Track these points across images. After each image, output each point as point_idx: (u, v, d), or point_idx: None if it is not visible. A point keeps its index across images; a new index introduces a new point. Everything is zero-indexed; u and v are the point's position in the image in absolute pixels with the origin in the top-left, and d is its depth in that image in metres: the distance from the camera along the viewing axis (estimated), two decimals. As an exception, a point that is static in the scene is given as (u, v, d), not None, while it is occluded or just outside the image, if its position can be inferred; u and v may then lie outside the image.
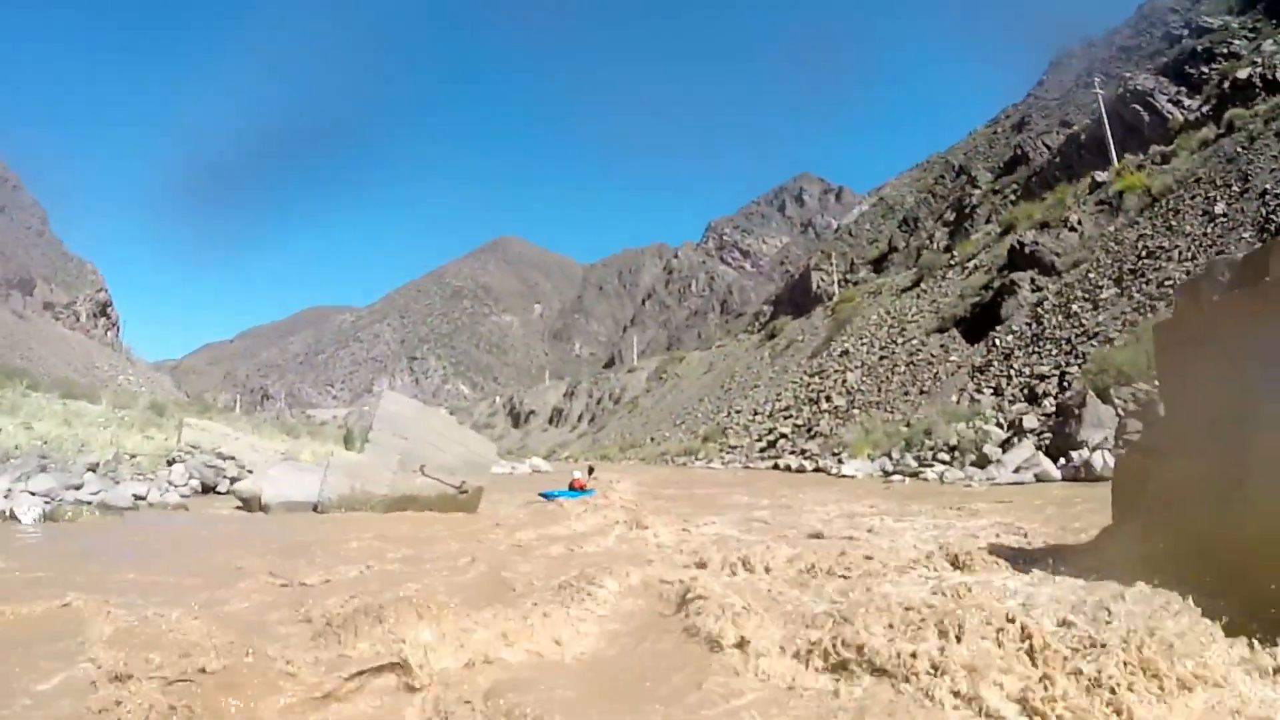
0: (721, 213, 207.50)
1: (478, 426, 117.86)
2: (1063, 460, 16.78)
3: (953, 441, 22.31)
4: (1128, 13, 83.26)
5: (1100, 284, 28.33)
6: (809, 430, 37.51)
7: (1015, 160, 70.37)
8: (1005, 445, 20.09)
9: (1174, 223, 28.43)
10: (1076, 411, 17.94)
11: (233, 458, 18.73)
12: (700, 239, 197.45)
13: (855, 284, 70.05)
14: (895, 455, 24.15)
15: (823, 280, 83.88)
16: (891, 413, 32.26)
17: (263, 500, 13.19)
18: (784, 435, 39.09)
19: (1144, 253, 27.99)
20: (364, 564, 7.77)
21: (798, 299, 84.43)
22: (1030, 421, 20.45)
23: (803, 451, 34.00)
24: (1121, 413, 17.31)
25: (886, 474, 22.07)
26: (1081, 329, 26.34)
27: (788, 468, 30.46)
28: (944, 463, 21.16)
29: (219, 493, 16.86)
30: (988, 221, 59.87)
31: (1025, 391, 24.67)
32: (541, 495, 18.28)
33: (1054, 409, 21.03)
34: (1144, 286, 25.88)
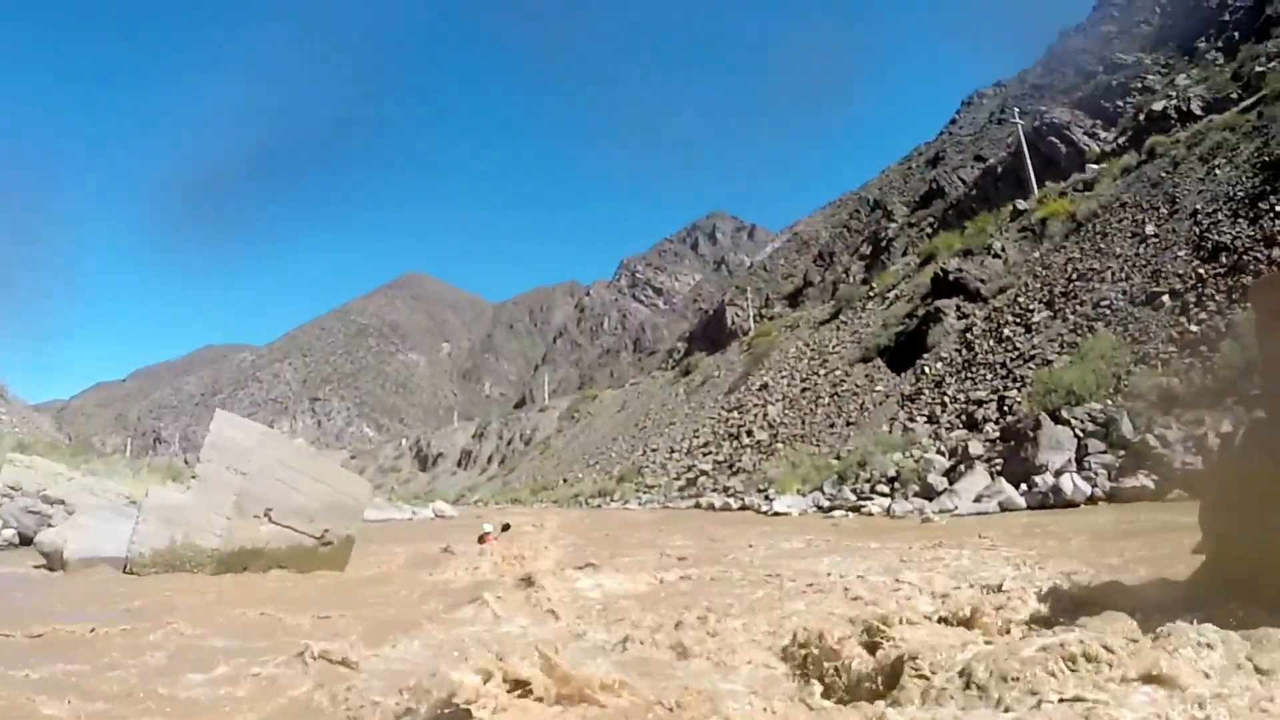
0: (634, 250, 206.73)
1: (383, 470, 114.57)
2: (1023, 486, 15.22)
3: (890, 472, 20.78)
4: (1039, 54, 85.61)
5: (1030, 308, 27.65)
6: (730, 466, 35.92)
7: (931, 194, 70.69)
8: (951, 474, 18.58)
9: (1103, 245, 27.89)
10: (1030, 434, 16.55)
11: (61, 502, 15.73)
12: (613, 277, 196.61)
13: (771, 319, 69.37)
14: (828, 489, 22.56)
15: (738, 315, 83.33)
16: (818, 445, 30.90)
17: (64, 555, 10.52)
18: (704, 472, 37.41)
19: (1074, 275, 27.35)
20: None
21: (712, 335, 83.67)
22: (975, 448, 18.99)
23: (725, 489, 32.39)
24: (1080, 434, 16.02)
25: (823, 509, 20.40)
26: (1016, 352, 25.46)
27: (711, 506, 28.73)
28: (884, 495, 19.59)
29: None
30: (904, 254, 59.81)
31: (963, 418, 23.43)
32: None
33: (998, 434, 19.77)
34: (1078, 308, 25.11)
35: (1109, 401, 17.44)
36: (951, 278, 34.13)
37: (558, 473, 65.64)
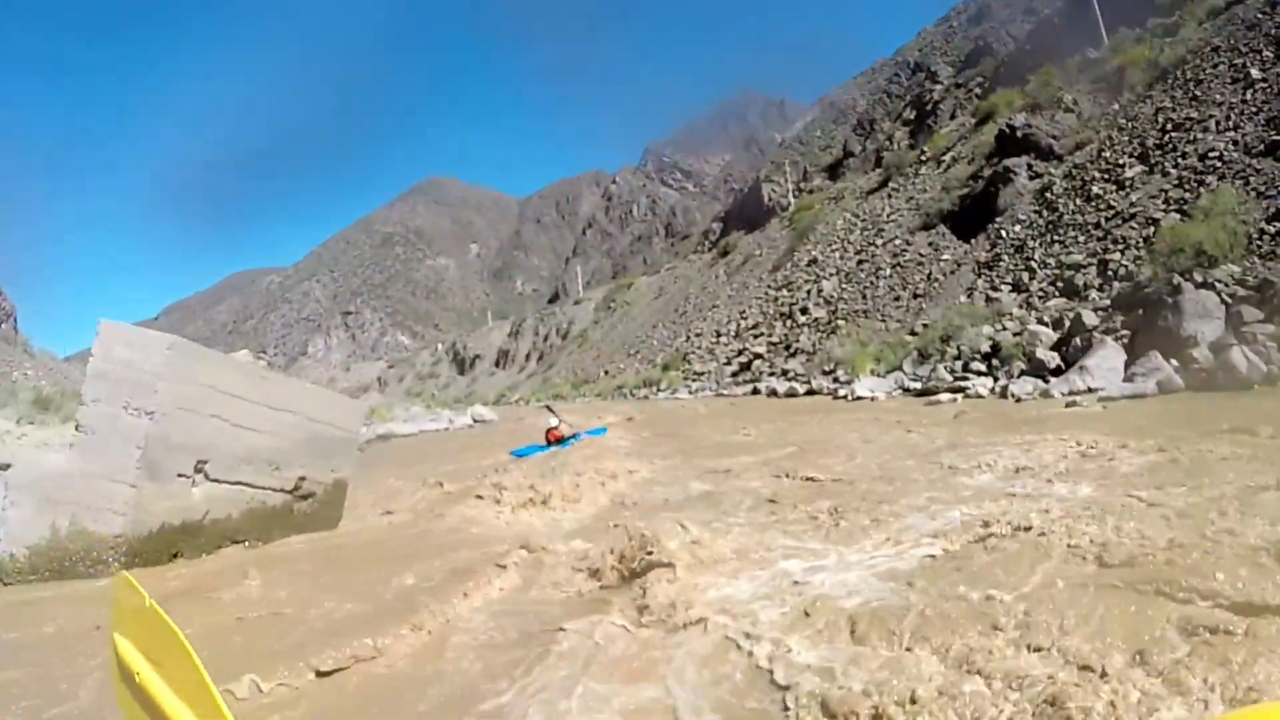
0: (662, 135, 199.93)
1: (421, 377, 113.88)
2: (1173, 362, 12.90)
3: (984, 347, 18.61)
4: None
5: (1120, 162, 24.97)
6: (787, 348, 33.95)
7: (978, 52, 66.26)
8: (1063, 348, 16.33)
9: (1198, 93, 24.90)
10: (1169, 300, 14.16)
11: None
12: (639, 163, 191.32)
13: (811, 192, 66.23)
14: (909, 369, 20.50)
15: (774, 191, 79.84)
16: (884, 320, 28.84)
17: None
18: (758, 355, 35.47)
19: (1168, 126, 24.55)
20: None
21: (749, 214, 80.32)
22: (1089, 318, 16.60)
23: (784, 372, 30.53)
24: (1228, 299, 13.69)
25: (912, 391, 18.32)
26: (1111, 211, 22.88)
27: (773, 392, 26.71)
28: (981, 373, 17.51)
29: None
30: (953, 116, 56.16)
31: (1058, 285, 21.08)
32: (513, 455, 15.36)
33: (1108, 301, 17.45)
34: (1180, 160, 22.43)
35: (1247, 263, 15.09)
36: (1020, 134, 31.56)
37: (598, 365, 64.54)
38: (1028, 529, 4.89)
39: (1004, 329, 19.33)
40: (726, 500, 8.10)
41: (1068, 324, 17.15)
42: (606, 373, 59.33)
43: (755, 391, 29.12)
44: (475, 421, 33.49)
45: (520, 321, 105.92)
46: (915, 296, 29.10)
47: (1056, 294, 20.67)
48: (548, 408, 20.98)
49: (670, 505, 8.32)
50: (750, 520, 6.90)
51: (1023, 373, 16.18)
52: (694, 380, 39.98)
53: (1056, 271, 21.97)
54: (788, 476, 9.04)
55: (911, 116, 66.96)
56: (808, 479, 8.69)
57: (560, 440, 15.92)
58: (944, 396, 15.93)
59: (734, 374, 36.19)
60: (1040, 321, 18.57)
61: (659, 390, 41.77)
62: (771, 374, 31.73)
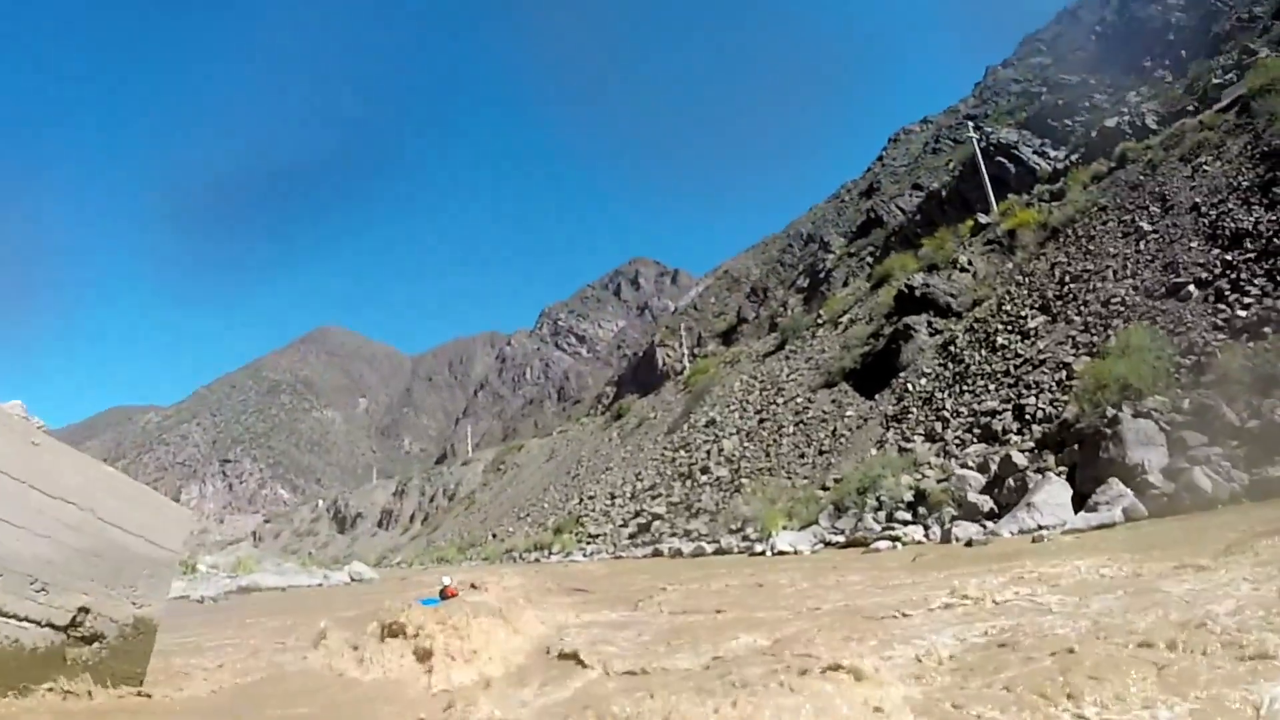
0: (556, 298, 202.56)
1: (300, 534, 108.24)
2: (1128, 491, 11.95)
3: (905, 497, 17.45)
4: (966, 89, 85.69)
5: (1023, 314, 25.39)
6: (688, 508, 32.37)
7: (869, 223, 68.90)
8: (996, 491, 15.37)
9: (1091, 247, 26.03)
10: (1109, 432, 13.41)
11: None
12: (534, 325, 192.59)
13: (705, 357, 66.33)
14: (825, 522, 19.15)
15: (669, 356, 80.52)
16: (790, 478, 27.65)
17: None
18: (658, 516, 33.74)
19: (1066, 278, 25.35)
20: None
21: (643, 377, 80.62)
22: (1019, 458, 15.83)
23: (686, 533, 28.92)
24: (1166, 426, 13.01)
25: (838, 544, 16.92)
26: (1020, 359, 22.87)
27: (678, 553, 25.04)
28: (907, 522, 16.28)
29: None
30: (845, 284, 57.71)
31: (974, 431, 20.32)
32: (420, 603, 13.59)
33: (1033, 443, 16.70)
34: (1083, 308, 22.91)
35: (1175, 392, 14.65)
36: (918, 293, 32.00)
37: (485, 528, 61.41)
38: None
39: (924, 477, 18.36)
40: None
41: (994, 467, 16.32)
42: (495, 535, 56.52)
43: (657, 553, 27.40)
44: (353, 580, 30.62)
45: (406, 481, 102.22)
46: (821, 453, 28.21)
47: (974, 440, 19.91)
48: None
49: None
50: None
51: (954, 518, 15.10)
52: (589, 543, 37.95)
53: (970, 419, 21.40)
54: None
55: (805, 284, 68.67)
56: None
57: (452, 596, 14.26)
58: (881, 544, 14.62)
59: (631, 536, 34.37)
60: (965, 466, 17.58)
61: (551, 554, 39.59)
62: (673, 534, 30.12)
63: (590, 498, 46.54)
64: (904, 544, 14.50)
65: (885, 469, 19.66)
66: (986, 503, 14.94)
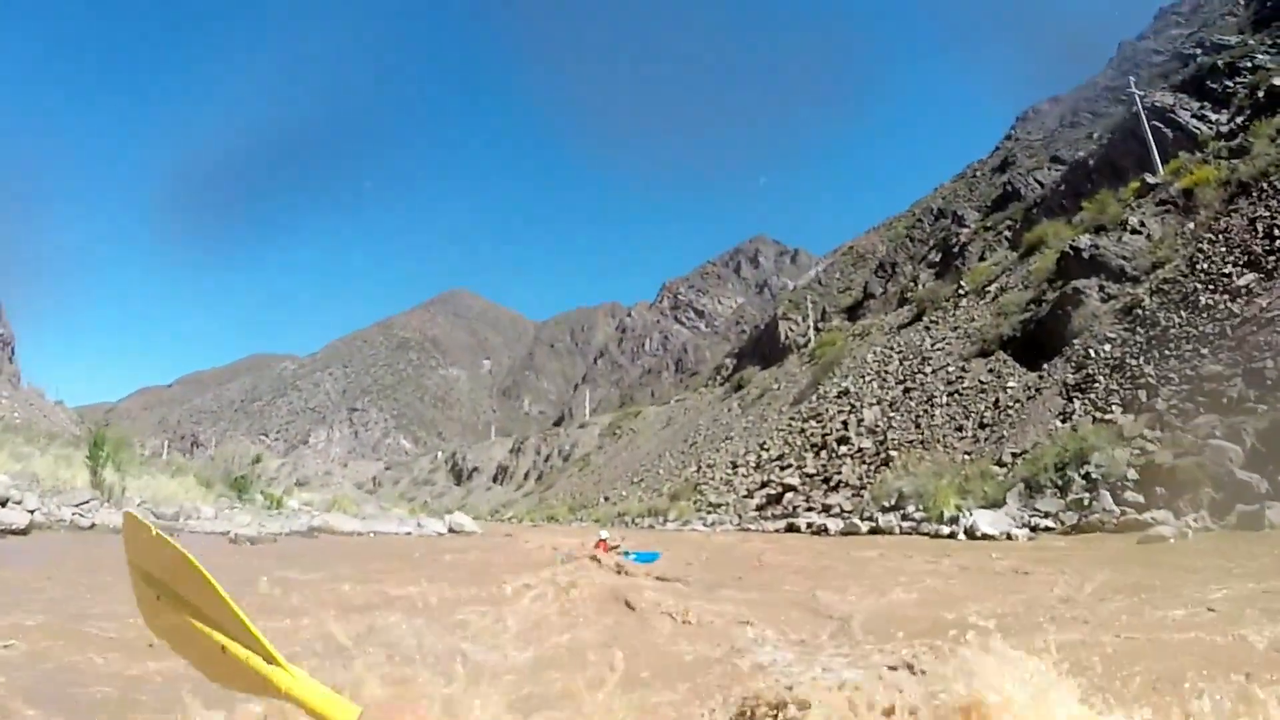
0: (677, 274, 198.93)
1: (417, 483, 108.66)
2: None
3: (1129, 474, 13.49)
4: (1097, 67, 79.15)
5: (1225, 272, 21.00)
6: (826, 480, 28.76)
7: (1005, 197, 63.48)
8: (1265, 466, 11.31)
9: None
10: None
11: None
12: (654, 298, 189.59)
13: (830, 331, 62.22)
14: (1015, 503, 15.31)
15: (792, 329, 76.35)
16: (948, 451, 23.72)
17: None
18: (791, 488, 30.20)
19: (1274, 232, 21.21)
20: None
21: (764, 350, 76.71)
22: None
23: (826, 508, 25.27)
24: None
25: (1059, 528, 13.04)
26: (1236, 318, 18.57)
27: (822, 529, 21.35)
28: (1138, 505, 12.29)
29: None
30: (982, 258, 52.61)
31: (1200, 400, 16.01)
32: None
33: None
34: None
35: None
36: (1086, 256, 27.87)
37: (598, 490, 59.44)
38: None
39: (1145, 452, 14.33)
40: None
41: (1249, 439, 12.22)
42: (607, 498, 54.47)
43: (792, 528, 23.81)
44: (452, 530, 27.68)
45: (523, 439, 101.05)
46: (983, 425, 24.22)
47: (1199, 410, 15.66)
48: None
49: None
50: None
51: (1216, 500, 11.06)
52: (709, 512, 34.81)
53: (1187, 387, 17.10)
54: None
55: (937, 258, 63.63)
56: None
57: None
58: (1160, 531, 10.35)
59: (759, 507, 30.99)
60: (1211, 437, 13.36)
61: (666, 521, 36.66)
62: (810, 508, 26.62)
63: (710, 466, 43.56)
64: (1188, 531, 10.37)
65: (1092, 442, 15.61)
66: (1259, 481, 10.97)
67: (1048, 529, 13.30)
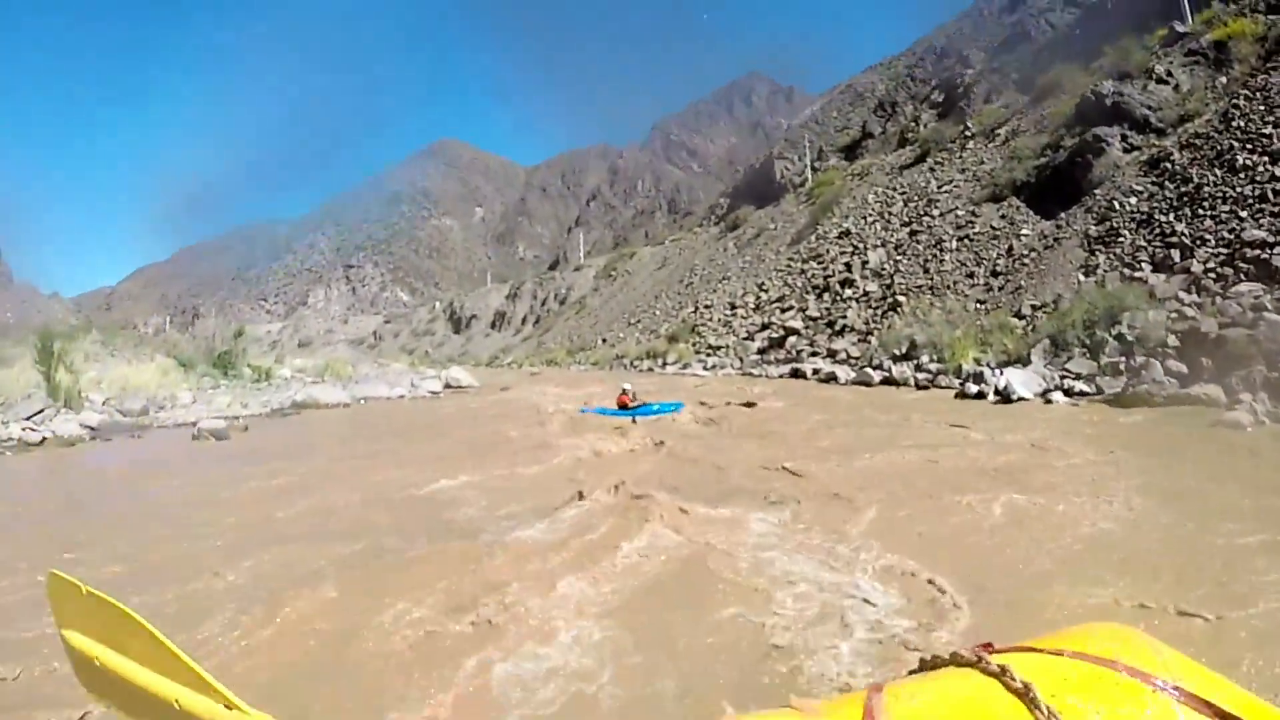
0: (667, 112, 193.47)
1: (417, 334, 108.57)
2: None
3: (1169, 340, 12.60)
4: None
5: (1265, 133, 19.29)
6: (830, 324, 27.98)
7: (1015, 38, 59.92)
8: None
9: None
10: None
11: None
12: (646, 141, 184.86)
13: (828, 170, 60.19)
14: (1039, 360, 14.52)
15: (788, 169, 74.23)
16: (961, 299, 22.83)
17: None
18: (794, 331, 29.44)
19: None
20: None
21: (759, 190, 74.60)
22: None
23: (831, 353, 24.60)
24: None
25: (1099, 395, 12.25)
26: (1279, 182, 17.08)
27: (830, 377, 20.70)
28: (1181, 376, 11.43)
29: None
30: (987, 101, 50.23)
31: (1241, 266, 14.97)
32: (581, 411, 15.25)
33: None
34: None
35: None
36: (1109, 102, 25.92)
37: (595, 333, 59.26)
38: None
39: (1184, 317, 13.43)
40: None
41: (1308, 308, 11.31)
42: (605, 340, 54.35)
43: (797, 374, 23.22)
44: (449, 387, 26.67)
45: (519, 285, 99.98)
46: (996, 274, 23.18)
47: (1241, 277, 14.67)
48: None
49: None
50: None
51: (1266, 380, 10.14)
52: (709, 354, 34.31)
53: (1225, 251, 16.02)
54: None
55: (940, 99, 60.99)
56: None
57: (626, 408, 14.43)
58: (1236, 417, 9.14)
59: (761, 350, 30.33)
60: (1261, 308, 12.43)
61: (665, 364, 36.19)
62: (814, 354, 25.89)
63: (707, 307, 43.02)
64: (1265, 419, 9.34)
65: (1123, 300, 14.64)
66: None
67: (1082, 392, 12.49)
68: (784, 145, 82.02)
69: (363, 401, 21.94)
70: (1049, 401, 12.21)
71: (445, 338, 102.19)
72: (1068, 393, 12.49)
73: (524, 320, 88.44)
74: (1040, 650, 1.17)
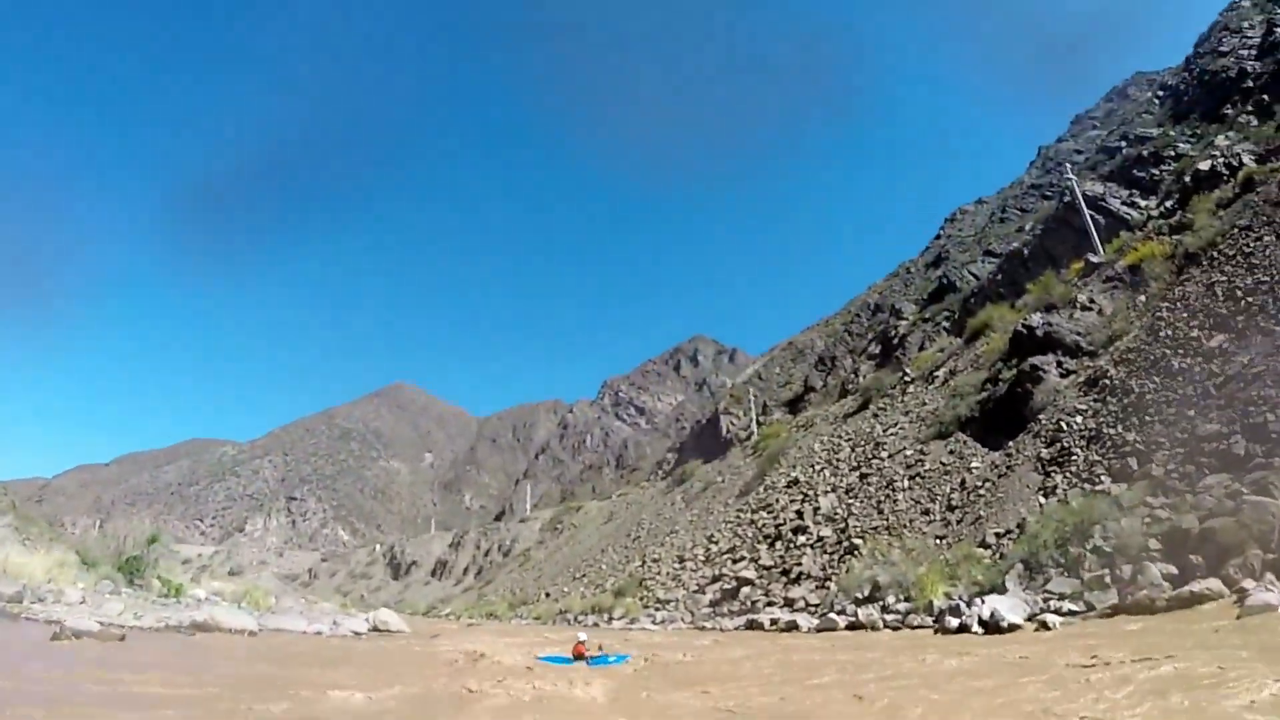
0: (618, 372, 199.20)
1: (354, 575, 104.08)
2: None
3: (1149, 545, 11.43)
4: (1019, 169, 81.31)
5: (1193, 336, 20.11)
6: (785, 572, 26.35)
7: (942, 290, 63.22)
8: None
9: (1255, 261, 21.39)
10: None
11: None
12: (596, 396, 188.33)
13: (772, 424, 60.75)
14: (1015, 585, 13.14)
15: (733, 423, 75.04)
16: (920, 535, 21.65)
17: None
18: (747, 581, 27.67)
19: (1237, 294, 20.53)
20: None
21: (705, 445, 75.35)
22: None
23: (788, 601, 22.95)
24: None
25: (1096, 612, 10.67)
26: (1219, 377, 17.43)
27: (791, 626, 18.98)
28: (1172, 578, 10.19)
29: None
30: (921, 348, 51.96)
31: (1203, 461, 14.27)
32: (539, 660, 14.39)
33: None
34: None
35: None
36: (1040, 334, 27.22)
37: (539, 586, 56.07)
38: None
39: (1157, 520, 12.47)
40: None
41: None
42: (548, 594, 51.20)
43: (753, 625, 21.48)
44: (376, 629, 24.10)
45: (463, 534, 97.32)
46: (952, 507, 22.32)
47: (1201, 472, 13.87)
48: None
49: None
50: None
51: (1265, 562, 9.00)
52: (658, 608, 32.00)
53: (1182, 450, 15.36)
54: None
55: (877, 350, 63.10)
56: None
57: (582, 657, 14.11)
58: (1265, 599, 7.85)
59: (714, 603, 28.39)
60: (1255, 492, 11.35)
61: (611, 619, 33.73)
62: (770, 603, 24.21)
63: (655, 560, 40.98)
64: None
65: (1091, 514, 13.55)
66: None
67: (1071, 611, 10.99)
68: (730, 400, 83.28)
69: (272, 632, 19.38)
70: (1047, 627, 10.62)
71: (383, 583, 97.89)
72: (1058, 613, 10.98)
73: (465, 570, 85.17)
74: None
